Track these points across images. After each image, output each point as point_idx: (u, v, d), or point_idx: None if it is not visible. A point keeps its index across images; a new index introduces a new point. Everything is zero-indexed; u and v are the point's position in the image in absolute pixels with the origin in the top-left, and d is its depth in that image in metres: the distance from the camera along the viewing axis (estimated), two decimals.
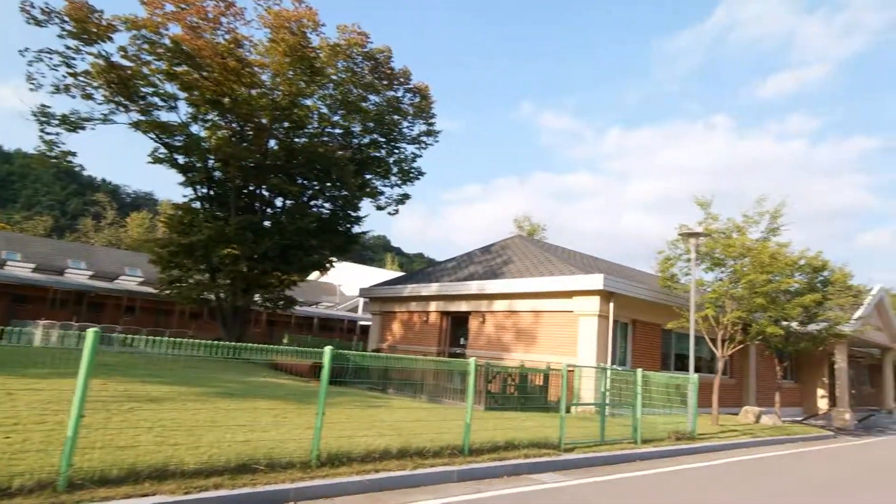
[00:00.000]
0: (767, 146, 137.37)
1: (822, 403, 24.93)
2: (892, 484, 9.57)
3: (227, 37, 19.56)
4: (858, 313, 22.58)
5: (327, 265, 24.02)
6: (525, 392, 13.18)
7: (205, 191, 21.96)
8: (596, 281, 15.03)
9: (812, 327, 17.85)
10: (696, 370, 17.75)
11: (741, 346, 16.48)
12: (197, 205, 21.99)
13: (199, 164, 21.07)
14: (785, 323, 16.65)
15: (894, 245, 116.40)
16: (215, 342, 7.28)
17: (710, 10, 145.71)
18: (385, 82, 22.04)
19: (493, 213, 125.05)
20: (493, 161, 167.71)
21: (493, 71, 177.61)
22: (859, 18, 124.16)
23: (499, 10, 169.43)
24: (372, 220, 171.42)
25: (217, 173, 21.73)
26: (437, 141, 23.51)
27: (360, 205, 23.36)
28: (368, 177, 23.01)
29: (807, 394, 25.26)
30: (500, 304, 17.94)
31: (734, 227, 16.11)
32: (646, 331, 17.46)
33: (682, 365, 17.71)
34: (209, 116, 21.10)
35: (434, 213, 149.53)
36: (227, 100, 19.63)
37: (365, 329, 32.79)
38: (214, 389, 10.38)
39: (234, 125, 21.06)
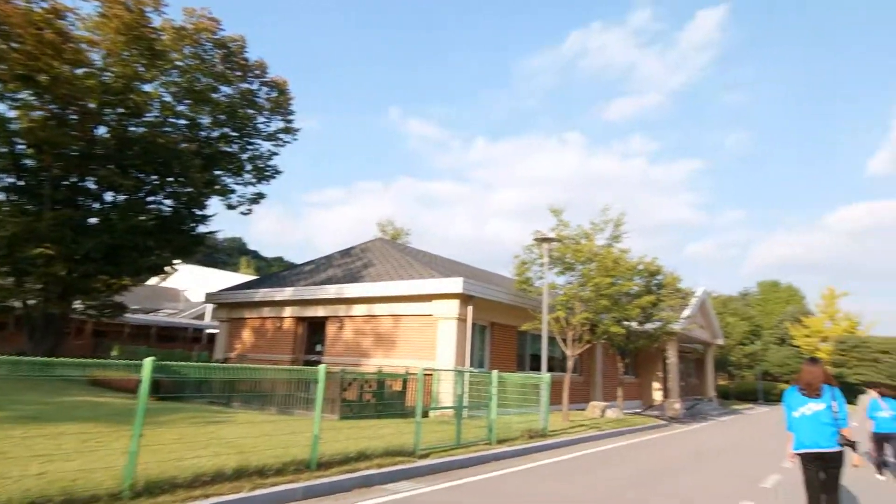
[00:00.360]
0: (613, 163, 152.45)
1: (658, 395, 27.91)
2: (711, 465, 10.82)
3: (44, 5, 17.08)
4: (686, 313, 25.66)
5: (168, 268, 21.93)
6: (383, 398, 12.99)
7: (11, 180, 18.92)
8: (455, 285, 15.33)
9: (649, 326, 19.83)
10: (549, 369, 18.81)
11: (589, 345, 17.82)
12: (0, 196, 18.88)
13: (3, 149, 18.10)
14: (626, 323, 18.33)
15: (716, 255, 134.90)
16: (17, 357, 6.12)
17: (564, 36, 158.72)
18: (238, 73, 20.69)
19: (356, 217, 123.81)
20: (357, 164, 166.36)
21: (360, 76, 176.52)
22: (686, 56, 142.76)
23: (366, 16, 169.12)
24: (225, 221, 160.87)
25: (28, 161, 18.83)
26: (295, 139, 22.59)
27: (207, 203, 21.63)
28: (218, 173, 21.40)
29: (645, 387, 28.11)
30: (359, 309, 17.61)
31: (583, 234, 17.43)
32: (503, 333, 18.20)
33: (537, 365, 18.72)
34: (20, 95, 18.23)
35: (295, 216, 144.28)
36: (43, 77, 17.09)
37: (213, 338, 30.49)
38: (9, 414, 8.83)
39: (52, 107, 18.40)
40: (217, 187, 21.53)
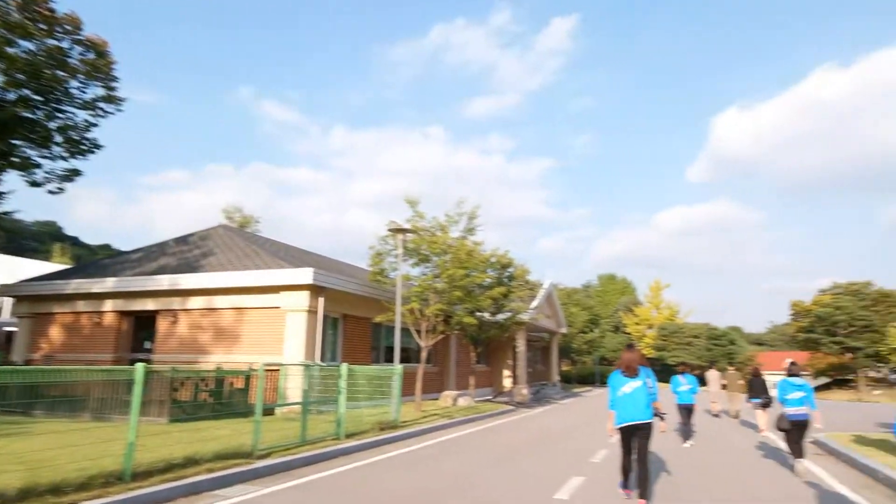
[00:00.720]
0: (474, 159, 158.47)
1: (508, 382, 29.49)
2: (550, 446, 11.60)
3: None
4: (534, 304, 27.38)
5: None
6: (221, 398, 12.09)
7: None
8: (305, 275, 14.76)
9: (500, 317, 20.79)
10: (405, 361, 18.98)
11: (443, 335, 18.21)
12: None
13: None
14: (479, 313, 19.02)
15: (564, 249, 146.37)
16: None
17: (427, 29, 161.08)
18: (43, 27, 17.77)
19: (205, 204, 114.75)
20: (205, 146, 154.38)
21: (208, 50, 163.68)
22: (542, 59, 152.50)
23: None
24: (38, 203, 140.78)
25: None
26: (120, 109, 19.97)
27: (0, 178, 18.44)
28: (17, 143, 18.32)
29: (496, 375, 29.55)
30: (196, 301, 16.25)
31: (438, 226, 17.70)
32: (357, 325, 17.94)
33: (392, 357, 18.72)
34: None
35: (131, 200, 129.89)
36: None
37: (11, 336, 26.36)
38: None
39: None
40: (15, 160, 18.42)
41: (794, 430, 8.68)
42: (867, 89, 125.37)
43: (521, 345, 27.55)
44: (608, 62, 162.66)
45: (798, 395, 8.67)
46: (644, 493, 6.26)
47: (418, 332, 17.10)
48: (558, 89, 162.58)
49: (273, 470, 7.77)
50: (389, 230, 15.49)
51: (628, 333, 58.02)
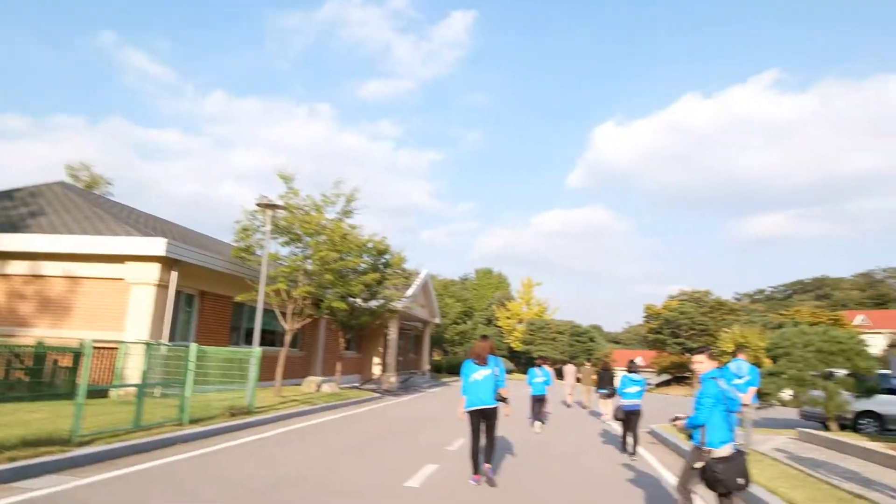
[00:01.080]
0: (362, 142, 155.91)
1: (378, 370, 29.41)
2: (411, 434, 11.66)
3: None
4: (409, 292, 27.53)
5: None
6: (41, 376, 10.74)
7: None
8: (156, 246, 13.54)
9: (373, 303, 20.59)
10: (269, 344, 18.23)
11: (311, 319, 17.66)
12: None
13: None
14: (351, 299, 18.68)
15: (447, 242, 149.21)
16: None
17: (321, 0, 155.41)
18: None
19: (47, 156, 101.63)
20: (53, 93, 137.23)
21: None
22: (439, 50, 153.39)
23: None
24: None
25: None
26: None
27: None
28: None
29: (366, 362, 29.35)
30: (18, 266, 14.30)
31: (313, 206, 17.08)
32: (215, 303, 16.86)
33: (263, 339, 17.76)
34: None
35: None
36: None
37: None
38: None
39: None
40: None
41: (629, 418, 9.89)
42: (721, 121, 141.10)
43: (393, 332, 27.58)
44: (503, 62, 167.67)
45: (634, 388, 10.06)
46: (489, 458, 7.08)
47: (284, 314, 16.42)
48: (452, 82, 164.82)
49: (95, 458, 6.98)
50: (259, 205, 14.63)
51: (500, 327, 60.49)
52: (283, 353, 16.22)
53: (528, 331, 56.34)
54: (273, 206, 14.49)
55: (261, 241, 15.75)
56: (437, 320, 38.52)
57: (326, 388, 18.57)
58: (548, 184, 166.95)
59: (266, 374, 15.71)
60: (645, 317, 53.37)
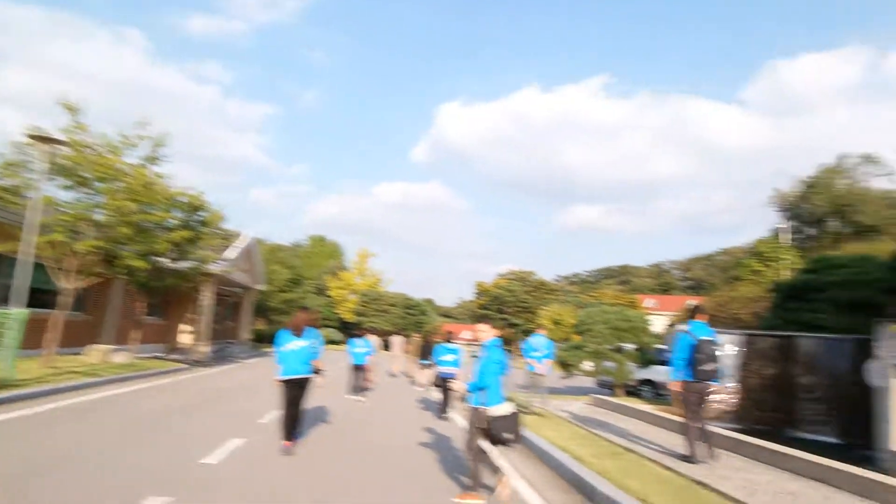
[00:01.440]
0: (184, 83, 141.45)
1: (188, 338, 27.09)
2: (219, 406, 10.78)
3: None
4: (229, 254, 25.62)
5: None
6: None
7: None
8: None
9: (183, 265, 18.68)
10: (43, 305, 15.67)
11: (100, 279, 15.50)
12: None
13: None
14: (155, 258, 16.70)
15: (277, 203, 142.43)
16: None
17: None
18: None
19: None
20: None
21: None
22: None
23: None
24: None
25: None
26: None
27: None
28: None
29: (172, 330, 26.85)
30: None
31: (108, 146, 14.85)
32: None
33: (38, 299, 15.05)
34: None
35: None
36: None
37: None
38: None
39: None
40: None
41: (444, 384, 10.31)
42: (556, 115, 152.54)
43: (207, 298, 25.54)
44: (349, 23, 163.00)
45: (450, 357, 10.39)
46: (295, 434, 7.19)
47: (61, 270, 14.12)
48: (293, 33, 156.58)
49: None
50: (31, 137, 12.27)
51: (331, 297, 59.54)
52: (59, 316, 13.99)
53: (360, 302, 56.20)
54: (51, 140, 12.24)
55: (32, 180, 13.29)
56: (262, 287, 36.62)
57: (119, 357, 16.55)
58: (392, 155, 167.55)
59: (36, 340, 13.52)
60: (476, 293, 56.23)
